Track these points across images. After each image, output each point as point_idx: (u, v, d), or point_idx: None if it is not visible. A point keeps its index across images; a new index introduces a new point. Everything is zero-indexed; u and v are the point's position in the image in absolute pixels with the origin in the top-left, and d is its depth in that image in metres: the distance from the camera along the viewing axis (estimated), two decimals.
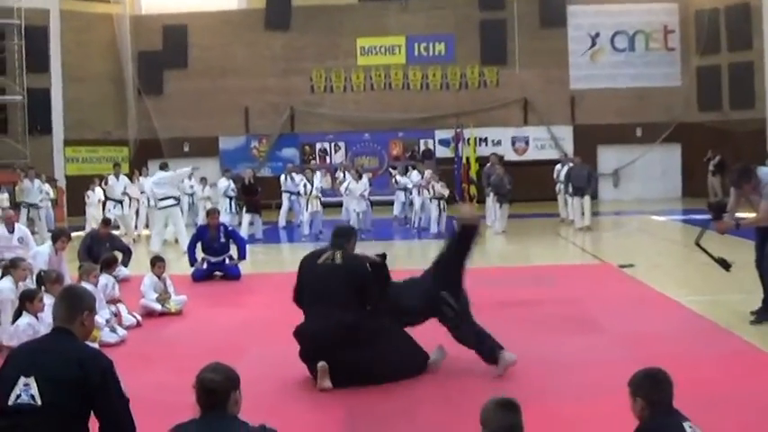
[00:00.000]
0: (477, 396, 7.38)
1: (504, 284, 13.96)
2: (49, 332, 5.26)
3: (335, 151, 38.07)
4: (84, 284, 10.41)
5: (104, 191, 25.24)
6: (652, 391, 4.82)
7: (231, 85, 37.47)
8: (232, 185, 25.99)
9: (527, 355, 9.11)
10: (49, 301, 9.48)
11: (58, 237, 13.65)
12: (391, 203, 29.27)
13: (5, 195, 26.12)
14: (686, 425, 4.72)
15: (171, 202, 20.83)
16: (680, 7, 37.38)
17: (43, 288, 10.08)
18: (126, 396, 5.01)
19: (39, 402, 4.70)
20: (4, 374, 4.90)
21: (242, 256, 16.36)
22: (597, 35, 37.66)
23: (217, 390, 4.61)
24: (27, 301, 9.20)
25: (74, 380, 4.75)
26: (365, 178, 25.35)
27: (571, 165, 25.32)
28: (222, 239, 16.18)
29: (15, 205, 24.76)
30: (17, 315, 9.43)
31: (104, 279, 11.62)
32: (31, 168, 26.34)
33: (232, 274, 15.91)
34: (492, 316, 11.23)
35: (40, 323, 9.04)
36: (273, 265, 19.39)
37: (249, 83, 37.52)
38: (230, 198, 25.91)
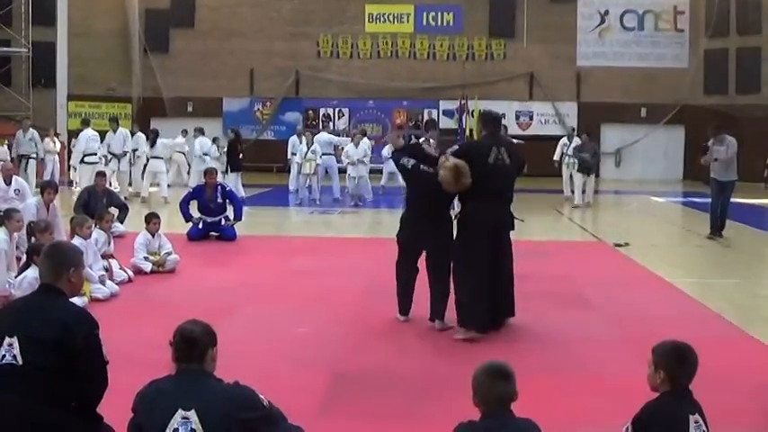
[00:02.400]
0: (465, 364, 7.46)
1: None
2: (36, 289, 5.18)
3: (339, 117, 38.00)
4: (77, 237, 10.47)
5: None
6: (677, 366, 4.69)
7: (237, 47, 37.34)
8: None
9: (515, 329, 9.15)
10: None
11: (45, 189, 13.63)
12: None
13: (4, 148, 26.09)
14: (692, 418, 4.58)
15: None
16: None
17: (33, 239, 10.09)
18: (106, 359, 4.99)
19: (19, 362, 4.69)
20: None
21: (238, 217, 16.33)
22: (606, 12, 37.46)
23: (197, 341, 4.60)
24: (34, 255, 9.18)
25: (55, 340, 4.72)
26: (366, 142, 24.96)
27: (579, 141, 25.09)
28: (219, 200, 16.15)
29: (19, 158, 24.99)
30: (25, 267, 9.40)
31: (97, 234, 11.62)
32: (26, 119, 26.25)
33: (228, 235, 15.90)
34: None
35: None
36: (270, 228, 19.40)
37: (256, 45, 37.38)
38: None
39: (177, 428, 4.41)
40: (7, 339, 4.73)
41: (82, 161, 22.58)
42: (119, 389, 5.02)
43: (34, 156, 25.21)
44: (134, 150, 24.31)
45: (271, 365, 7.60)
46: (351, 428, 6.31)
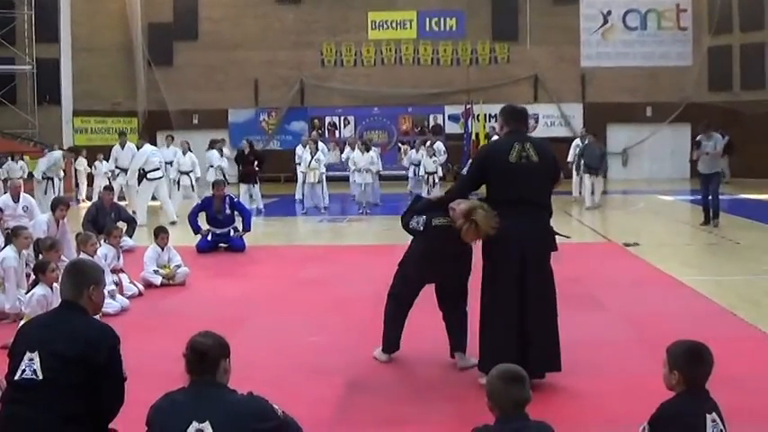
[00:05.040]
0: (474, 371, 7.44)
1: None
2: (57, 306, 5.23)
3: (345, 125, 38.04)
4: (82, 254, 10.47)
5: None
6: (692, 366, 4.68)
7: (241, 58, 37.38)
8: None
9: None
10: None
11: (56, 206, 13.65)
12: (400, 178, 29.28)
13: (19, 165, 26.35)
14: (710, 418, 4.58)
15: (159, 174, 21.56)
16: None
17: (40, 255, 10.10)
18: (125, 375, 5.00)
19: (40, 377, 4.73)
20: (14, 350, 4.94)
21: (247, 228, 16.35)
22: (609, 13, 37.48)
23: (207, 353, 4.60)
24: (40, 273, 9.16)
25: (78, 356, 4.75)
26: (373, 152, 25.20)
27: (585, 142, 25.11)
28: (227, 211, 16.18)
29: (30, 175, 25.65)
30: (34, 285, 9.38)
31: (105, 249, 11.61)
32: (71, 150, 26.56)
33: (236, 246, 15.92)
34: None
35: (54, 294, 9.00)
36: (278, 237, 19.40)
37: (259, 56, 37.43)
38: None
39: None
40: (28, 354, 4.77)
41: (145, 177, 22.02)
42: (132, 402, 5.02)
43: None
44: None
45: (284, 375, 7.60)
46: None
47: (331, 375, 7.64)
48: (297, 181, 26.43)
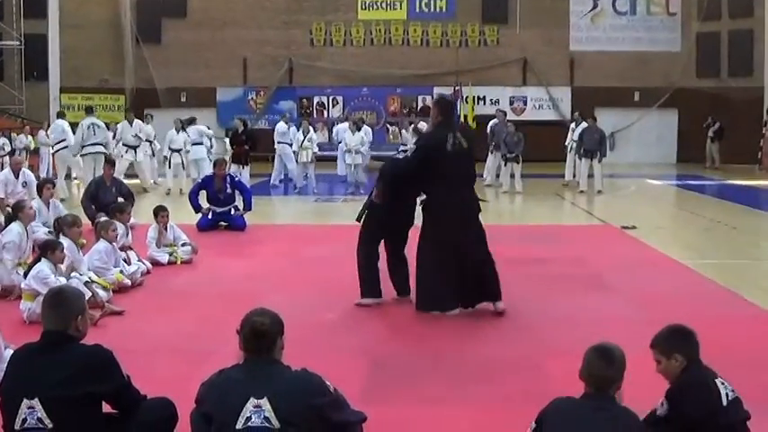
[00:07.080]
0: (504, 347, 7.56)
1: (509, 242, 13.28)
2: (43, 339, 4.88)
3: (333, 105, 38.00)
4: (102, 241, 10.52)
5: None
6: (689, 346, 4.94)
7: (230, 37, 37.22)
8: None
9: (540, 312, 9.22)
10: (67, 243, 9.55)
11: (43, 185, 13.71)
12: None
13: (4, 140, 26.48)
14: (719, 381, 4.88)
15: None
16: None
17: (61, 234, 10.13)
18: (127, 375, 4.95)
19: (49, 425, 4.64)
20: (6, 389, 4.79)
21: (248, 207, 16.37)
22: None
23: (267, 333, 4.69)
24: (49, 251, 9.16)
25: (82, 394, 4.68)
26: (363, 132, 25.04)
27: (584, 125, 24.90)
28: (228, 190, 16.18)
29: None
30: (36, 261, 9.38)
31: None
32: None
33: (237, 225, 15.94)
34: (500, 272, 11.11)
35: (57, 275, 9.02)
36: (276, 216, 19.45)
37: (248, 34, 37.29)
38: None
39: (250, 417, 4.49)
40: (26, 402, 4.63)
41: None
42: (162, 378, 5.07)
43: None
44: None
45: (306, 353, 7.62)
46: (398, 415, 6.25)
47: (353, 353, 7.71)
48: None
